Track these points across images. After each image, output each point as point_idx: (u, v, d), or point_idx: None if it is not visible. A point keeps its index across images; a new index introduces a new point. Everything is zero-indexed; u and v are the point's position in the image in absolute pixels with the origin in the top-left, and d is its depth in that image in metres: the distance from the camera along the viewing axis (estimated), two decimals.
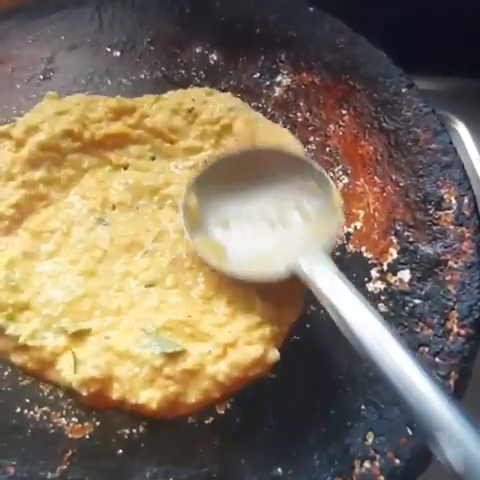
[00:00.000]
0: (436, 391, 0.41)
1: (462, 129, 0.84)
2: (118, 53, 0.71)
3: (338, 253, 0.62)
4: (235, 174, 0.59)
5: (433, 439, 0.40)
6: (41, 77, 0.69)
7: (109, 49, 0.72)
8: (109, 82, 0.70)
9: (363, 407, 0.54)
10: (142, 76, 0.70)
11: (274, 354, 0.53)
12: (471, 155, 0.82)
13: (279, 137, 0.67)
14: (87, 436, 0.52)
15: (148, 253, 0.60)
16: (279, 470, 0.51)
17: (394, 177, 0.65)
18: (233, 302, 0.56)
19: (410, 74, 0.78)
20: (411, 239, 0.62)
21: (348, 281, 0.49)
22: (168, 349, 0.51)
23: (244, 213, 0.59)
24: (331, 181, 0.57)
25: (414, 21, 0.86)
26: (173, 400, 0.50)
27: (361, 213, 0.64)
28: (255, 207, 0.59)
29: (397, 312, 0.59)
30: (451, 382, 0.55)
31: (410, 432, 0.52)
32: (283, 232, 0.58)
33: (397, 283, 0.60)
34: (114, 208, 0.62)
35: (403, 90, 0.69)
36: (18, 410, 0.53)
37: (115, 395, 0.50)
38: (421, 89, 0.75)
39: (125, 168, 0.64)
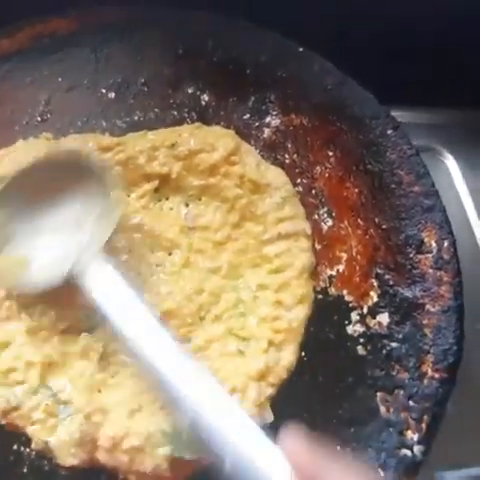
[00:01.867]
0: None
1: (451, 162, 0.87)
2: (113, 94, 0.75)
3: (320, 296, 0.66)
4: (34, 187, 0.61)
5: None
6: (39, 119, 0.73)
7: (104, 90, 0.75)
8: (104, 124, 0.74)
9: (338, 448, 0.58)
10: (136, 118, 0.74)
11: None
12: (458, 188, 0.85)
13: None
14: (80, 473, 0.57)
15: None
16: None
17: (377, 220, 0.69)
18: None
19: (399, 106, 0.82)
20: (391, 282, 0.66)
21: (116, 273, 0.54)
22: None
23: (48, 224, 0.62)
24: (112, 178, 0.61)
25: (402, 52, 0.89)
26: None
27: (344, 256, 0.67)
28: (56, 218, 0.62)
29: (375, 355, 0.63)
30: (423, 425, 0.59)
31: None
32: (74, 236, 0.61)
33: (376, 326, 0.64)
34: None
35: (389, 132, 0.72)
36: (15, 447, 0.58)
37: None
38: (410, 121, 0.78)
39: None
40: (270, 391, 0.59)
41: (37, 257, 0.60)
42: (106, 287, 0.54)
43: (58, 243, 0.61)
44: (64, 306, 0.60)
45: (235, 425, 0.47)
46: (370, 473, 0.45)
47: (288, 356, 0.60)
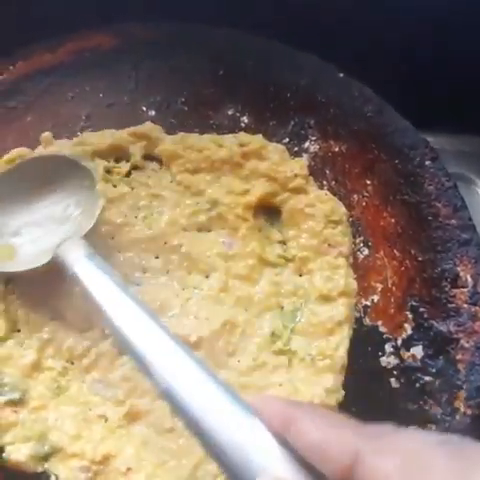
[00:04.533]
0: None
1: None
2: (153, 112, 0.77)
3: (355, 326, 0.68)
4: (19, 184, 0.67)
5: None
6: (79, 134, 0.75)
7: (145, 108, 0.78)
8: None
9: None
10: None
11: None
12: None
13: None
14: None
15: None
16: None
17: (413, 251, 0.71)
18: None
19: (435, 133, 0.84)
20: (426, 315, 0.68)
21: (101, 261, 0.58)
22: None
23: (33, 219, 0.67)
24: (94, 174, 0.67)
25: (438, 77, 0.90)
26: None
27: (379, 286, 0.70)
28: (43, 211, 0.67)
29: (408, 388, 0.65)
30: None
31: None
32: (64, 229, 0.65)
33: (410, 359, 0.66)
34: (145, 272, 0.68)
35: (427, 163, 0.74)
36: None
37: None
38: (444, 148, 0.80)
39: None
40: None
41: (24, 247, 0.65)
42: (89, 270, 0.57)
43: (44, 234, 0.66)
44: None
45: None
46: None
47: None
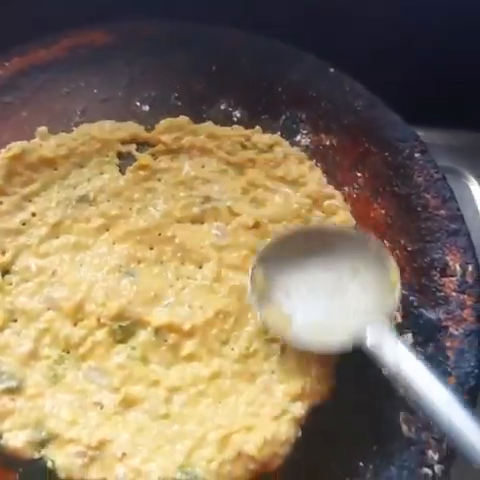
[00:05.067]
0: None
1: (474, 186, 0.91)
2: (147, 107, 0.79)
3: None
4: (296, 248, 0.67)
5: None
6: (74, 129, 0.76)
7: (139, 103, 0.79)
8: None
9: (361, 464, 0.62)
10: None
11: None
12: None
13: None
14: None
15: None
16: None
17: (403, 241, 0.72)
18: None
19: (427, 128, 0.86)
20: (415, 304, 0.69)
21: (412, 352, 0.58)
22: None
23: (304, 283, 0.67)
24: (391, 256, 0.65)
25: (430, 75, 0.92)
26: None
27: None
28: (314, 277, 0.67)
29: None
30: (444, 445, 0.62)
31: None
32: (342, 302, 0.65)
33: None
34: (140, 263, 0.70)
35: (416, 155, 0.76)
36: None
37: None
38: (436, 143, 0.82)
39: None
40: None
41: (295, 315, 0.65)
42: (400, 363, 0.58)
43: (317, 303, 0.66)
44: None
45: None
46: None
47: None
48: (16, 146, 0.73)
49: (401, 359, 0.57)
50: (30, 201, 0.72)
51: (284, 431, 0.60)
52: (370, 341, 0.59)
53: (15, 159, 0.72)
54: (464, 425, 0.52)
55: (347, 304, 0.65)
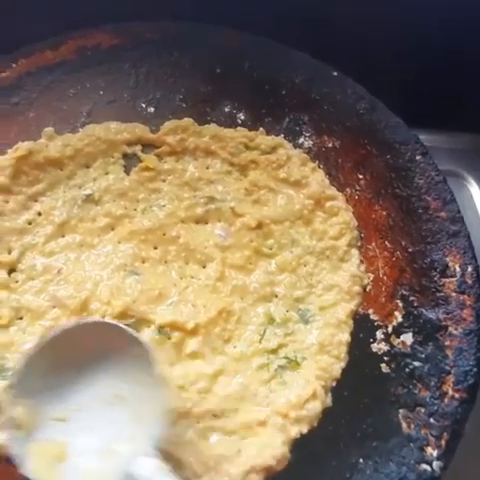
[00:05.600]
0: None
1: (475, 188, 0.93)
2: (152, 109, 0.81)
3: None
4: (62, 357, 0.57)
5: None
6: (80, 130, 0.78)
7: (144, 105, 0.81)
8: None
9: (361, 461, 0.63)
10: None
11: None
12: None
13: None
14: None
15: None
16: None
17: (403, 243, 0.74)
18: None
19: (428, 130, 0.87)
20: (416, 304, 0.71)
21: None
22: None
23: (80, 399, 0.57)
24: (155, 356, 0.56)
25: (431, 77, 0.94)
26: None
27: (371, 276, 0.73)
28: (91, 390, 0.57)
29: (398, 373, 0.68)
30: (443, 442, 0.64)
31: None
32: (120, 416, 0.56)
33: (400, 345, 0.69)
34: (144, 262, 0.72)
35: (417, 158, 0.78)
36: None
37: None
38: (436, 145, 0.83)
39: None
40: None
41: (75, 446, 0.55)
42: None
43: (96, 426, 0.56)
44: None
45: None
46: None
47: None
48: (23, 146, 0.74)
49: None
50: (36, 201, 0.74)
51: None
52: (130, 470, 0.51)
53: (22, 159, 0.73)
54: None
55: (118, 430, 0.56)
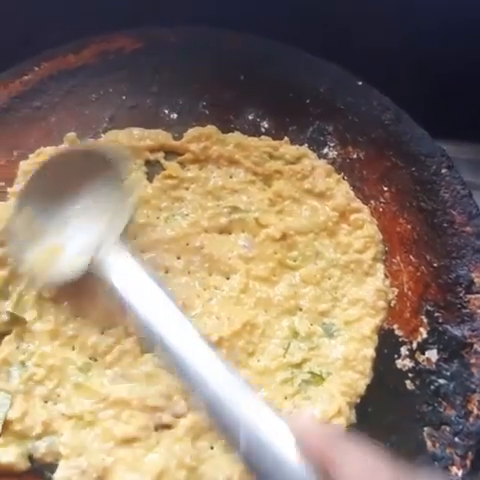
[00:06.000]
0: None
1: None
2: (175, 115, 0.80)
3: None
4: (55, 181, 0.67)
5: None
6: (102, 136, 0.77)
7: (167, 111, 0.80)
8: None
9: None
10: None
11: None
12: None
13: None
14: None
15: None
16: None
17: (428, 257, 0.74)
18: None
19: (450, 141, 0.87)
20: (441, 320, 0.70)
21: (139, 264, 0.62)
22: None
23: (73, 215, 0.68)
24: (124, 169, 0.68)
25: (456, 90, 0.93)
26: None
27: (395, 291, 0.72)
28: (81, 207, 0.69)
29: (423, 390, 0.68)
30: (467, 462, 0.64)
31: None
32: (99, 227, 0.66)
33: (424, 362, 0.69)
34: (167, 272, 0.71)
35: (443, 171, 0.77)
36: None
37: None
38: (460, 157, 0.83)
39: None
40: None
41: (68, 245, 0.67)
42: (125, 274, 0.61)
43: (84, 232, 0.67)
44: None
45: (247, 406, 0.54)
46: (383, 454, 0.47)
47: None
48: (45, 151, 0.74)
49: (128, 272, 0.61)
50: None
51: None
52: (94, 261, 0.62)
53: None
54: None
55: (98, 227, 0.66)
